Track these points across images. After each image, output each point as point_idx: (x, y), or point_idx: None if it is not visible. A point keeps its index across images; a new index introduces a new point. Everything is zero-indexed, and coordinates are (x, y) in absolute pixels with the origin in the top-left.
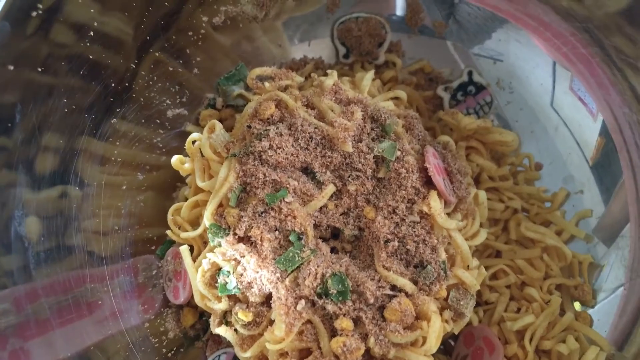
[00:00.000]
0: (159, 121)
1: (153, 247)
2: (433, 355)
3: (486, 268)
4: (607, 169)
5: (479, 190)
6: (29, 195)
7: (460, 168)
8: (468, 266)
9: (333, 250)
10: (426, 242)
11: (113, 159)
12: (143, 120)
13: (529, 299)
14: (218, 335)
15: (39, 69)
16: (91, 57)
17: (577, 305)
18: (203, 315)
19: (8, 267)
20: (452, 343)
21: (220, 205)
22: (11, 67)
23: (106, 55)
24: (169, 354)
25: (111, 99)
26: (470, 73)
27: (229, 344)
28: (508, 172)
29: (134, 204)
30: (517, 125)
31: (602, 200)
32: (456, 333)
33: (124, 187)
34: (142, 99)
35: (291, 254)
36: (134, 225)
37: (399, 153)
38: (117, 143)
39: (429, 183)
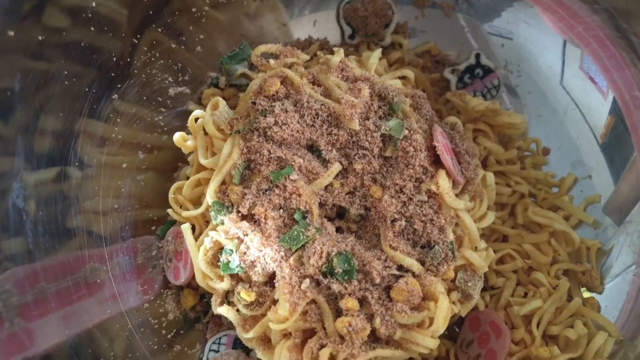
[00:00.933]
0: (160, 99)
1: (153, 228)
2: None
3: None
4: (617, 149)
5: (487, 172)
6: (29, 177)
7: (468, 149)
8: (476, 248)
9: (338, 229)
10: (434, 222)
11: (113, 137)
12: (144, 98)
13: (536, 284)
14: (219, 318)
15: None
16: (90, 33)
17: (584, 292)
18: (204, 297)
19: (8, 249)
20: (457, 330)
21: (223, 182)
22: (11, 33)
23: (106, 31)
24: (169, 336)
25: (112, 74)
26: (477, 56)
27: (230, 326)
28: (515, 156)
29: (134, 184)
30: (525, 109)
31: (612, 181)
32: (463, 315)
33: (125, 167)
34: (143, 76)
35: (296, 233)
36: (134, 206)
37: (406, 132)
38: (118, 120)
39: (436, 162)
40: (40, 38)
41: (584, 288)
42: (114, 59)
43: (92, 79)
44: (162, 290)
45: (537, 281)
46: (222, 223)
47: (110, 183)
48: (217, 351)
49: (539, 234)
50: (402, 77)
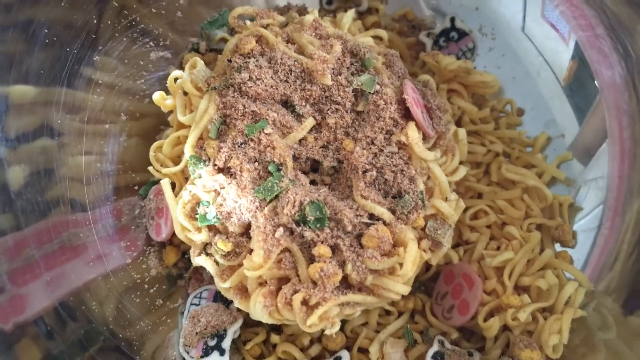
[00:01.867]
0: (142, 63)
1: (136, 188)
2: (415, 295)
3: (467, 209)
4: (580, 91)
5: (459, 128)
6: (10, 145)
7: (440, 105)
8: (446, 198)
9: (312, 182)
10: (404, 173)
11: (95, 101)
12: (126, 61)
13: (508, 238)
14: (200, 274)
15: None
16: None
17: (557, 248)
18: (185, 254)
19: None
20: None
21: (201, 138)
22: None
23: None
24: (151, 291)
25: (93, 36)
26: (452, 19)
27: (210, 281)
28: (489, 115)
29: (118, 150)
30: (499, 72)
31: (577, 122)
32: (434, 264)
33: (107, 133)
34: (124, 39)
35: (270, 184)
36: (118, 171)
37: (377, 87)
38: (100, 82)
39: (407, 116)
40: None
41: (558, 244)
42: (95, 20)
43: (73, 39)
44: (145, 248)
45: (510, 235)
46: (200, 177)
47: (94, 149)
48: (198, 305)
49: (512, 190)
50: (377, 38)
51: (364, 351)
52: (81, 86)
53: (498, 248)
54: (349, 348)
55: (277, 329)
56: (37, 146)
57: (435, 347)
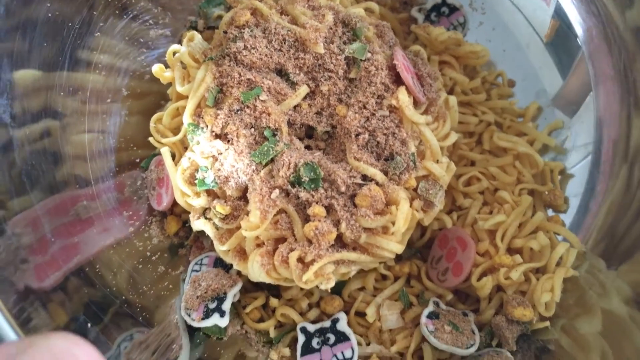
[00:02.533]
0: (142, 40)
1: (138, 161)
2: (411, 260)
3: (460, 175)
4: (562, 47)
5: (450, 95)
6: (17, 130)
7: (430, 72)
8: (437, 161)
9: (307, 148)
10: (396, 135)
11: (96, 81)
12: (126, 38)
13: (500, 202)
14: (201, 242)
15: None
16: None
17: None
18: (186, 223)
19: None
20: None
21: (199, 106)
22: None
23: None
24: (153, 258)
25: (94, 13)
26: None
27: (211, 248)
28: (480, 85)
29: (120, 127)
30: (490, 45)
31: (560, 77)
32: (427, 224)
33: (109, 111)
34: (124, 17)
35: (266, 148)
36: (120, 147)
37: (369, 54)
38: (101, 59)
39: (398, 82)
40: None
41: (550, 209)
42: None
43: (74, 16)
44: (147, 218)
45: (502, 199)
46: (198, 143)
47: (96, 127)
48: (199, 271)
49: (504, 157)
50: (368, 10)
51: (361, 315)
52: (82, 65)
53: (491, 213)
54: (346, 312)
55: (276, 294)
56: (40, 128)
57: (430, 308)
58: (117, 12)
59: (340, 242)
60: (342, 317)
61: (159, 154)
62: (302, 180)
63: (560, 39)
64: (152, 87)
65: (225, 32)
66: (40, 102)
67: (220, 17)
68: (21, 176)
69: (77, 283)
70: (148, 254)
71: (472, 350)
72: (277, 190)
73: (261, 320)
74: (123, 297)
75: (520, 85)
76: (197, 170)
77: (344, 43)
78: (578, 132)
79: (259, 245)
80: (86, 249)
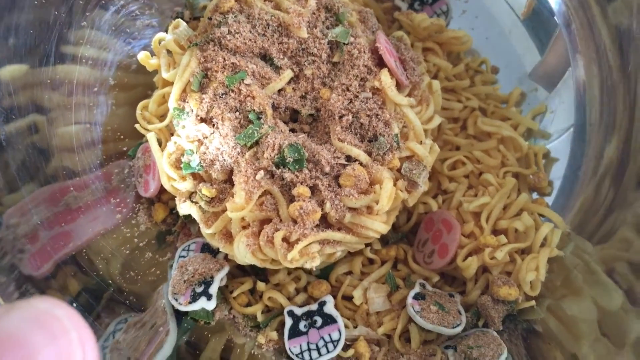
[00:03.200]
0: (129, 31)
1: (125, 149)
2: (397, 245)
3: (445, 160)
4: (540, 24)
5: (433, 80)
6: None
7: (413, 57)
8: (421, 142)
9: (292, 132)
10: (379, 117)
11: (83, 72)
12: (113, 28)
13: (485, 184)
14: (188, 229)
15: None
16: None
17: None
18: (173, 210)
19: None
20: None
21: (184, 92)
22: None
23: None
24: (140, 244)
25: (81, 2)
26: None
27: (198, 234)
28: (464, 71)
29: (107, 118)
30: (473, 33)
31: (538, 52)
32: (410, 205)
33: (97, 103)
34: (111, 7)
35: (250, 131)
36: (108, 138)
37: (352, 39)
38: (88, 47)
39: (381, 65)
40: None
41: (535, 193)
42: None
43: (60, 4)
44: (134, 205)
45: (486, 182)
46: (184, 128)
47: (84, 117)
48: (186, 257)
49: (488, 141)
50: None
51: (348, 299)
52: (68, 57)
53: (476, 196)
54: (334, 297)
55: (263, 280)
56: (27, 122)
57: (416, 289)
58: (103, 1)
59: (325, 223)
60: (329, 299)
61: (146, 142)
62: (287, 161)
63: (538, 17)
64: (139, 78)
65: (210, 19)
66: (27, 97)
67: (205, 8)
68: (13, 172)
69: (69, 271)
70: (136, 240)
71: (459, 329)
72: (262, 172)
73: (249, 305)
74: (114, 284)
75: (503, 71)
76: (182, 154)
77: (327, 28)
78: (559, 110)
79: (244, 227)
80: (77, 238)
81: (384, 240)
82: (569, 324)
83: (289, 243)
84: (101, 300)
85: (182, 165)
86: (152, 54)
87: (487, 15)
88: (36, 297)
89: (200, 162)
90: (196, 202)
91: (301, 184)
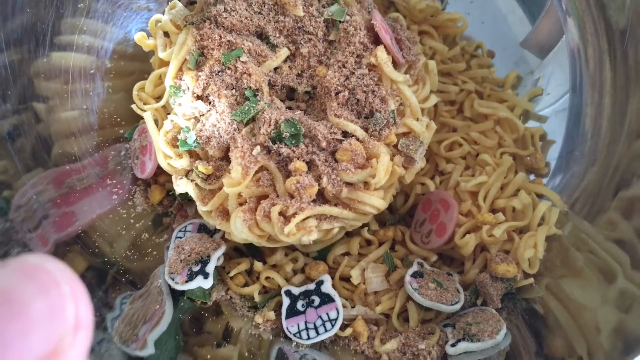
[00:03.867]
0: (125, 14)
1: (122, 132)
2: (395, 227)
3: (442, 141)
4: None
5: (429, 60)
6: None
7: (409, 37)
8: (417, 119)
9: (288, 109)
10: (375, 93)
11: (80, 58)
12: (109, 12)
13: (482, 165)
14: (185, 210)
15: None
16: None
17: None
18: (170, 192)
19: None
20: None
21: (181, 70)
22: None
23: None
24: (137, 225)
25: None
26: None
27: (194, 216)
28: (459, 54)
29: (104, 102)
30: (469, 17)
31: (529, 21)
32: (407, 181)
33: (94, 85)
34: None
35: (247, 107)
36: (105, 124)
37: (347, 17)
38: (85, 29)
39: (377, 42)
40: None
41: (532, 174)
42: None
43: None
44: (131, 187)
45: (483, 162)
46: (180, 105)
47: (81, 105)
48: (183, 237)
49: (485, 122)
50: None
51: (346, 279)
52: (64, 42)
53: (473, 176)
54: (331, 277)
55: (260, 261)
56: (29, 111)
57: (414, 268)
58: None
59: (322, 199)
60: (327, 279)
61: (143, 123)
62: (283, 136)
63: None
64: (135, 65)
65: None
66: (26, 86)
67: None
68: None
69: (75, 250)
70: (132, 221)
71: (457, 307)
72: (258, 147)
73: (246, 285)
74: (114, 263)
75: (499, 55)
76: (179, 132)
77: (323, 7)
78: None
79: (241, 204)
80: (78, 219)
81: (382, 222)
82: (571, 308)
83: (285, 217)
84: (106, 278)
85: (178, 143)
86: (149, 35)
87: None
88: (27, 254)
89: (196, 139)
90: (193, 180)
91: (298, 159)
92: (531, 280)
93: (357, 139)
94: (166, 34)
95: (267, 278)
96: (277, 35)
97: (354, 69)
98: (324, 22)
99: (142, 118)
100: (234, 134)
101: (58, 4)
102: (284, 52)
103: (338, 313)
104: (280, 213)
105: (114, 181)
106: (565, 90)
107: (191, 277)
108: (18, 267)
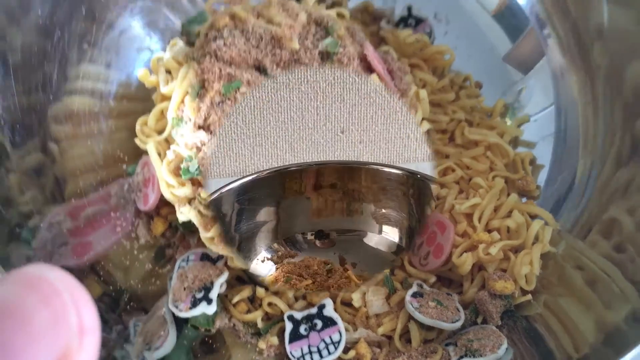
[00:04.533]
0: (128, 56)
1: (124, 167)
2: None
3: (435, 167)
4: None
5: (420, 89)
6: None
7: (401, 67)
8: None
9: None
10: None
11: (85, 103)
12: (113, 54)
13: (475, 188)
14: (187, 241)
15: None
16: None
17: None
18: (172, 224)
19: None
20: None
21: (182, 102)
22: None
23: None
24: (140, 256)
25: (82, 25)
26: (409, 8)
27: (197, 246)
28: (448, 84)
29: (109, 143)
30: (456, 52)
31: (509, 40)
32: None
33: (99, 126)
34: (110, 32)
35: None
36: (109, 162)
37: (341, 49)
38: (89, 75)
39: (370, 72)
40: None
41: (523, 198)
42: (84, 13)
43: (63, 25)
44: (134, 220)
45: (476, 185)
46: (182, 136)
47: (87, 143)
48: (186, 267)
49: (476, 148)
50: (340, 16)
51: (347, 304)
52: (72, 87)
53: (467, 199)
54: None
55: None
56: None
57: (414, 289)
58: (104, 27)
59: None
60: (329, 302)
61: (146, 155)
62: None
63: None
64: (138, 107)
65: (206, 35)
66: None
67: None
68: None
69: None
70: (135, 252)
71: (458, 324)
72: None
73: (248, 312)
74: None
75: (487, 87)
76: (181, 161)
77: (317, 40)
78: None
79: None
80: (89, 250)
81: None
82: (570, 327)
83: None
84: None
85: (181, 172)
86: (151, 73)
87: (468, 34)
88: (29, 264)
89: (198, 167)
90: (195, 207)
91: None
92: (529, 296)
93: None
94: (167, 71)
95: (269, 304)
96: (274, 67)
97: None
98: (318, 54)
99: (144, 153)
100: None
101: (64, 43)
102: None
103: (341, 335)
104: None
105: (117, 214)
106: (551, 115)
107: (195, 303)
108: (19, 279)
